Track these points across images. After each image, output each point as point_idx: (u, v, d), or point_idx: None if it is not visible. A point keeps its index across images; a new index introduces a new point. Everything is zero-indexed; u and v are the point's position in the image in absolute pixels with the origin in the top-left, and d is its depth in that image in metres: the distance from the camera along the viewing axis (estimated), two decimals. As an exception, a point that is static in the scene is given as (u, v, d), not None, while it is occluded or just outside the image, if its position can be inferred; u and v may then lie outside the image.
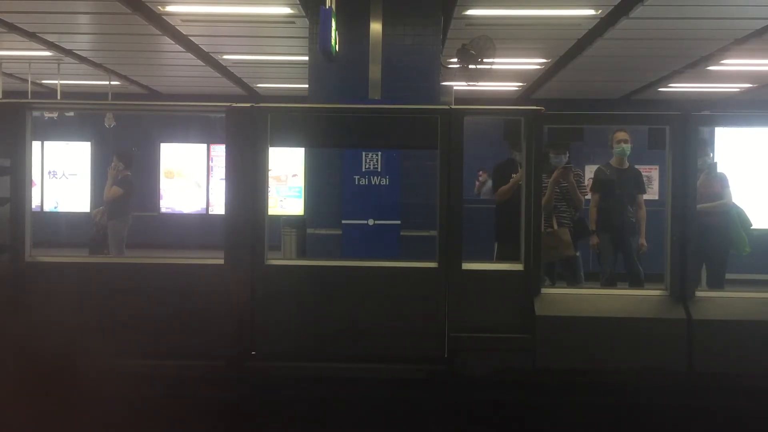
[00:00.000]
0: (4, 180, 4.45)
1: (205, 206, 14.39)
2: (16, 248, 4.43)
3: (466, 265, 4.41)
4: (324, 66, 7.55)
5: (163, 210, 14.32)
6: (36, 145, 5.30)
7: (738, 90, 13.25)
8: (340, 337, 4.38)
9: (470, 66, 8.15)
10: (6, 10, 8.50)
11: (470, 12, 8.21)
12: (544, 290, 4.49)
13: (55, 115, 12.01)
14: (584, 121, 8.01)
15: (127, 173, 9.15)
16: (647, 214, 6.95)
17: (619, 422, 4.36)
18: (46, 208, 13.92)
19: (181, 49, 10.18)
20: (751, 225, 7.00)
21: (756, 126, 7.81)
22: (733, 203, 6.95)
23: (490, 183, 9.41)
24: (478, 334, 4.35)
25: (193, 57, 10.77)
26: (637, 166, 7.24)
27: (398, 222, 7.47)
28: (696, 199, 4.62)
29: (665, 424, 4.36)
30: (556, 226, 6.42)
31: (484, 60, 8.00)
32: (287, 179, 11.10)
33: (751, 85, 12.76)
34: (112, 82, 12.47)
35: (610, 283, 6.80)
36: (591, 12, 8.22)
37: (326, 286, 4.44)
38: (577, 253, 6.66)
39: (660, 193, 12.69)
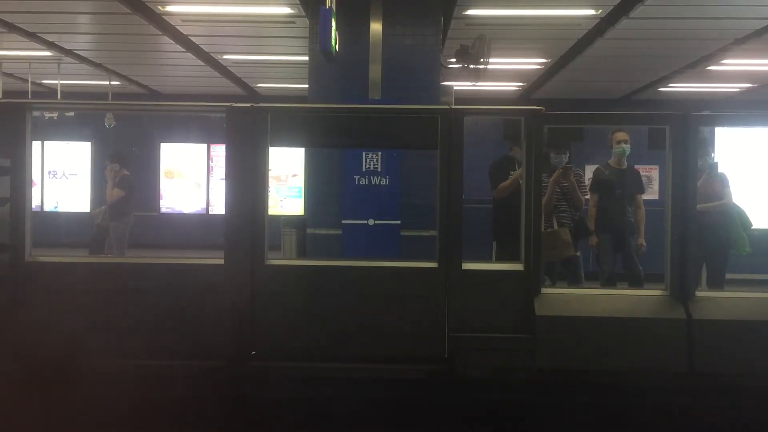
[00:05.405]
0: (4, 180, 4.46)
1: (205, 206, 14.38)
2: (16, 248, 4.43)
3: (466, 265, 4.42)
4: (324, 66, 7.54)
5: (163, 210, 14.30)
6: (36, 145, 5.29)
7: (738, 90, 13.24)
8: (340, 337, 4.38)
9: (470, 66, 8.14)
10: (6, 10, 8.49)
11: (470, 12, 8.20)
12: (544, 290, 4.50)
13: (55, 115, 11.98)
14: (584, 121, 8.00)
15: (125, 173, 9.15)
16: (647, 214, 6.95)
17: (619, 422, 4.36)
18: (46, 208, 13.88)
19: (181, 49, 10.17)
20: (752, 225, 6.99)
21: (756, 126, 7.80)
22: (734, 203, 6.94)
23: None
24: (478, 334, 4.35)
25: (193, 57, 10.76)
26: (637, 166, 7.23)
27: (398, 222, 7.45)
28: (696, 199, 4.62)
29: (665, 425, 4.36)
30: (556, 226, 6.42)
31: (482, 60, 7.99)
32: (287, 179, 11.07)
33: (751, 85, 12.75)
34: (112, 82, 12.46)
35: (609, 283, 6.80)
36: (591, 12, 8.21)
37: (326, 286, 4.44)
38: (578, 253, 6.66)
39: (660, 193, 12.68)
